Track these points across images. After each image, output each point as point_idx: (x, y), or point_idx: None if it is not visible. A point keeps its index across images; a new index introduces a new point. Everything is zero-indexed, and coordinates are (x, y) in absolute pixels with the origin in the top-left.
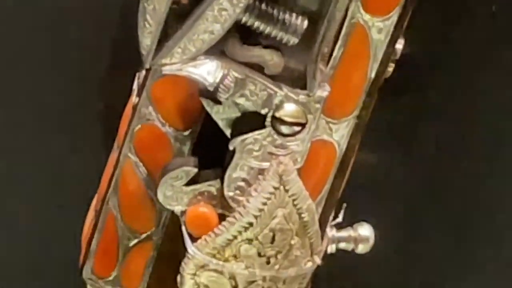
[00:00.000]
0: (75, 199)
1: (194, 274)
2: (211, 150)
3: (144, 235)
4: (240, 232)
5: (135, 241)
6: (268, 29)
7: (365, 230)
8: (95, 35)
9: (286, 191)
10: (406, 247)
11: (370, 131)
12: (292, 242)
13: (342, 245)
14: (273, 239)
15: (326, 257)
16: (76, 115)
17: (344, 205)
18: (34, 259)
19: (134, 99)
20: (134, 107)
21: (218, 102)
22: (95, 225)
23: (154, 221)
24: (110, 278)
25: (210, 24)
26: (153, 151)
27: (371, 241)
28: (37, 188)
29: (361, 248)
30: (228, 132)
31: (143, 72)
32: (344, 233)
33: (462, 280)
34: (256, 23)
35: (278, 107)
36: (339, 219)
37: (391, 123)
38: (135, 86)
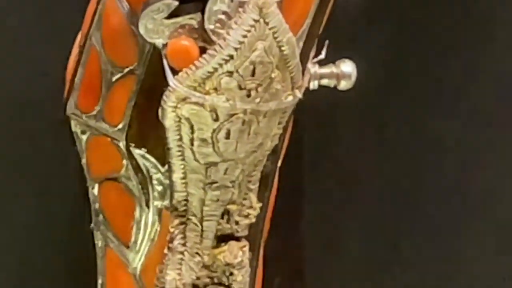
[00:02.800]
0: (60, 36)
1: (176, 107)
2: None
3: (126, 70)
4: (220, 65)
5: (118, 75)
6: None
7: (347, 67)
8: None
9: (266, 23)
10: (388, 84)
11: None
12: (273, 75)
13: (324, 81)
14: (253, 72)
15: (308, 93)
16: None
17: (327, 41)
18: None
19: None
20: None
21: None
22: (79, 61)
23: (137, 56)
24: (93, 113)
25: None
26: None
27: (353, 77)
28: (23, 23)
29: (343, 85)
30: None
31: None
32: (326, 70)
33: (446, 114)
34: None
35: None
36: (322, 55)
37: None
38: None
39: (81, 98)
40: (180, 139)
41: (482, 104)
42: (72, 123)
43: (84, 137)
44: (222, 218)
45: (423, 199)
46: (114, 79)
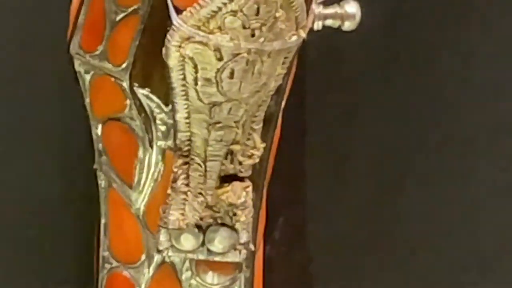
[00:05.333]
0: None
1: (180, 46)
2: None
3: (130, 9)
4: (224, 4)
5: (122, 15)
6: None
7: (351, 8)
8: None
9: None
10: (393, 23)
11: None
12: (277, 14)
13: (329, 22)
14: (257, 11)
15: (313, 33)
16: None
17: None
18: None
19: None
20: None
21: None
22: (83, 0)
23: None
24: (97, 52)
25: None
26: None
27: (357, 18)
28: None
29: (348, 25)
30: None
31: None
32: (330, 10)
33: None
34: None
35: None
36: None
37: None
38: None
39: (84, 37)
40: (184, 79)
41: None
42: (76, 62)
43: (87, 77)
44: (226, 158)
45: (427, 137)
46: (118, 18)
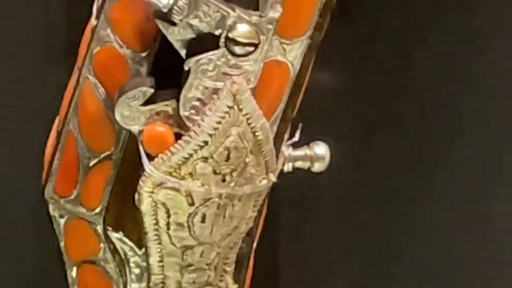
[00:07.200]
0: (38, 121)
1: (152, 192)
2: (167, 71)
3: (103, 155)
4: (195, 151)
5: (95, 161)
6: None
7: (320, 149)
8: None
9: (240, 110)
10: (362, 165)
11: (323, 51)
12: (247, 160)
13: (298, 164)
14: (228, 157)
15: (283, 175)
16: (37, 37)
17: (300, 124)
18: None
19: (93, 21)
20: (93, 30)
21: (173, 23)
22: (56, 145)
23: (113, 141)
24: (71, 197)
25: None
26: (111, 72)
27: (327, 159)
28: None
29: (317, 167)
30: (183, 53)
31: None
32: (300, 152)
33: (418, 196)
34: None
35: (231, 28)
36: (295, 138)
37: (344, 43)
38: (94, 9)
39: (59, 182)
40: (157, 223)
41: (460, 168)
42: (50, 207)
43: (62, 221)
44: None
45: (400, 276)
46: (91, 164)
